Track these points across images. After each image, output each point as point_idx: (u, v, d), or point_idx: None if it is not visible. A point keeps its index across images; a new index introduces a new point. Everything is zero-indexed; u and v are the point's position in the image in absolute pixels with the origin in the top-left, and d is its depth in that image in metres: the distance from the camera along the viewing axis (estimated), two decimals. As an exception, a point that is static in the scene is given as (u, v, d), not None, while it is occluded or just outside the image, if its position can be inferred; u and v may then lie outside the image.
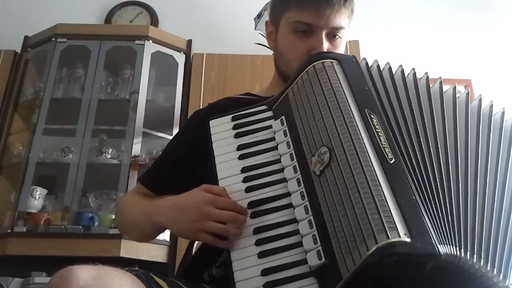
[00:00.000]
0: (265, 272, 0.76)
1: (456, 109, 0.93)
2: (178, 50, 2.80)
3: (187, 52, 2.82)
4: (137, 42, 2.69)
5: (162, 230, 1.04)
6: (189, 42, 2.85)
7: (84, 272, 0.68)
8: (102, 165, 2.53)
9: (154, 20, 3.13)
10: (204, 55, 2.83)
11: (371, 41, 3.01)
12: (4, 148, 2.62)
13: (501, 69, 3.14)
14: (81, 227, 2.27)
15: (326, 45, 1.07)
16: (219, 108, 1.13)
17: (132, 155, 2.45)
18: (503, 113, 0.97)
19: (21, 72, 2.76)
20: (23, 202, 2.35)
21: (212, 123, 1.01)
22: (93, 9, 3.16)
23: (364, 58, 0.98)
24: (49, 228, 2.30)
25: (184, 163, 1.11)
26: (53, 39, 2.70)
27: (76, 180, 2.40)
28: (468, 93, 0.97)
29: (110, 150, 2.56)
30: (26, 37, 2.83)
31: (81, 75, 2.71)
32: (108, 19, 3.13)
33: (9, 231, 2.27)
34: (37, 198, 2.40)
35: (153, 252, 2.27)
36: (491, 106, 0.96)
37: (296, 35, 1.09)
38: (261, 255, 0.78)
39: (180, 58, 2.79)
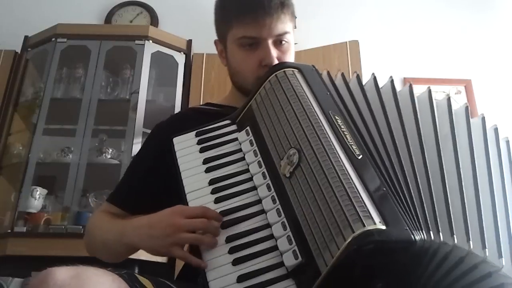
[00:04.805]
0: (241, 278, 0.75)
1: (398, 105, 0.93)
2: (178, 50, 2.80)
3: (187, 52, 2.82)
4: (137, 42, 2.69)
5: (135, 251, 0.98)
6: (189, 42, 2.85)
7: (62, 273, 0.68)
8: (102, 165, 2.53)
9: (154, 20, 3.13)
10: (204, 55, 2.83)
11: (371, 41, 3.01)
12: (4, 148, 2.62)
13: (501, 69, 3.14)
14: (81, 227, 2.27)
15: (275, 53, 1.07)
16: (180, 119, 1.13)
17: (132, 155, 2.44)
18: (466, 107, 0.96)
19: (21, 72, 2.75)
20: (23, 202, 2.35)
21: (176, 140, 0.99)
22: (93, 9, 3.16)
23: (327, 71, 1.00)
24: (49, 228, 2.30)
25: (151, 178, 1.10)
26: (53, 39, 2.70)
27: (76, 180, 2.40)
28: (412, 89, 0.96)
29: (110, 150, 2.57)
30: (26, 37, 2.83)
31: (81, 75, 2.71)
32: (108, 19, 3.13)
33: (9, 231, 2.27)
34: (37, 198, 2.39)
35: (153, 252, 2.27)
36: (449, 99, 0.95)
37: (244, 50, 1.09)
38: (236, 262, 0.77)
39: (180, 58, 2.79)
